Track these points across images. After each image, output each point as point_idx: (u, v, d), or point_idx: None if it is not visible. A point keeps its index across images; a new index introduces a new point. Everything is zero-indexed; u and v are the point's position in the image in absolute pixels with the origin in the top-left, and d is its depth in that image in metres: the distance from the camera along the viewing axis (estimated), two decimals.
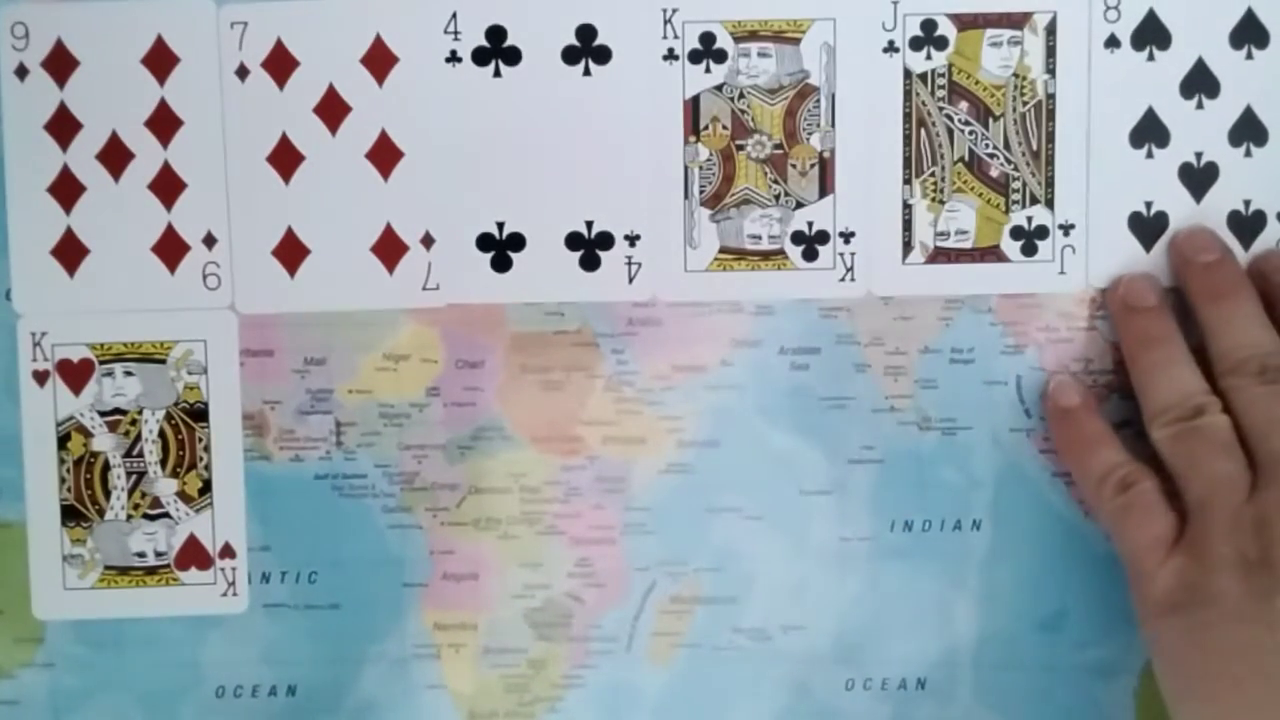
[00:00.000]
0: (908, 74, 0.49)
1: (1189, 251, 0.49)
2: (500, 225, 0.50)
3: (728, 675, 0.51)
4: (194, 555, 0.50)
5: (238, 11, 0.49)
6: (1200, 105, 0.50)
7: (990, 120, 0.49)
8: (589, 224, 0.50)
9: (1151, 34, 0.49)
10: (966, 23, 0.49)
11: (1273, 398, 0.46)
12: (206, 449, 0.50)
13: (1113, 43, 0.49)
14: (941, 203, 0.50)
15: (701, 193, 0.50)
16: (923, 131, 0.49)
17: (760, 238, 0.50)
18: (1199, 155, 0.50)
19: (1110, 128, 0.50)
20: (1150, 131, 0.50)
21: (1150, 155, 0.50)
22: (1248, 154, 0.50)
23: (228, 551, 0.50)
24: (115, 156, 0.49)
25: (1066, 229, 0.50)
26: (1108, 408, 0.50)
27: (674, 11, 0.49)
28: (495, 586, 0.51)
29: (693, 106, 0.49)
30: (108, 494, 0.50)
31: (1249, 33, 0.49)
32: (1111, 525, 0.48)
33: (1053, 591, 0.50)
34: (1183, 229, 0.50)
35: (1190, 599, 0.45)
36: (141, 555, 0.50)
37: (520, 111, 0.49)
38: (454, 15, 0.49)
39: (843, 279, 0.50)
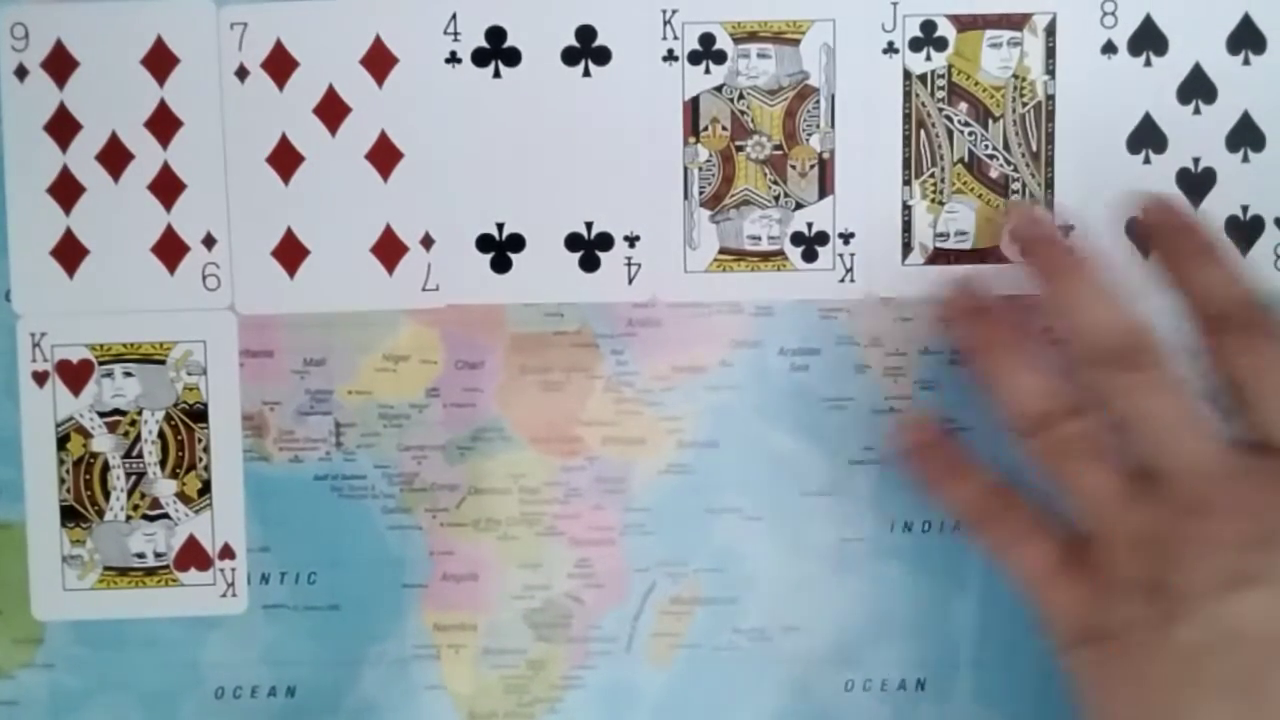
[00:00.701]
0: (907, 75, 0.49)
1: (1022, 229, 0.47)
2: (500, 226, 0.50)
3: (728, 676, 0.50)
4: (193, 556, 0.50)
5: (238, 12, 0.49)
6: (1198, 111, 0.50)
7: (990, 121, 0.49)
8: (589, 225, 0.50)
9: (1148, 39, 0.49)
10: (966, 24, 0.49)
11: (1147, 388, 0.42)
12: (206, 450, 0.50)
13: (1109, 49, 0.49)
14: (941, 204, 0.50)
15: (701, 193, 0.50)
16: (922, 132, 0.49)
17: (760, 238, 0.50)
18: (1196, 161, 0.50)
19: (1107, 133, 0.50)
20: (1147, 137, 0.50)
21: (1148, 161, 0.50)
22: (1245, 159, 0.50)
23: (227, 552, 0.50)
24: (115, 157, 0.49)
25: (1066, 230, 0.50)
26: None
27: (674, 12, 0.49)
28: (495, 587, 0.50)
29: (692, 107, 0.49)
30: (107, 495, 0.50)
31: (1246, 38, 0.49)
32: (994, 552, 0.46)
33: None
34: (1012, 209, 0.49)
35: (1093, 631, 0.43)
36: (141, 556, 0.50)
37: (520, 112, 0.49)
38: (454, 16, 0.49)
39: (842, 280, 0.50)
